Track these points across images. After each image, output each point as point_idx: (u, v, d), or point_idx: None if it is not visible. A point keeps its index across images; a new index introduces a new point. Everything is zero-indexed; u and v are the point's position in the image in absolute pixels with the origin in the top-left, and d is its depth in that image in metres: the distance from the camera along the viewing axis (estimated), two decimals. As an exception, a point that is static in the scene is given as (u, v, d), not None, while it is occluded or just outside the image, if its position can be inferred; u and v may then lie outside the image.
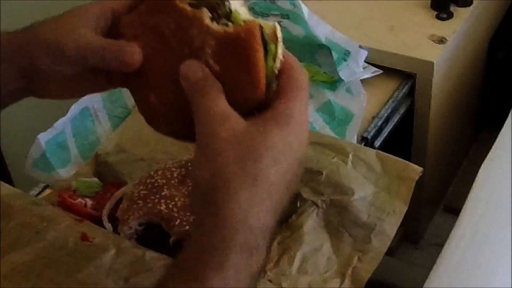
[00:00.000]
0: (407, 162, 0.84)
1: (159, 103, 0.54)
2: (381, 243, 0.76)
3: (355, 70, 0.97)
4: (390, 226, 0.77)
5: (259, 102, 0.49)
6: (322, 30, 0.97)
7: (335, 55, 0.97)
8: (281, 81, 0.50)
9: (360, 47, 0.99)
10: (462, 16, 1.08)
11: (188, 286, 0.44)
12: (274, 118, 0.48)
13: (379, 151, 0.86)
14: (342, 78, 0.97)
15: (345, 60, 0.97)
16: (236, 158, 0.45)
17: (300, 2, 0.94)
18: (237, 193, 0.45)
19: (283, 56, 0.51)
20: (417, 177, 0.82)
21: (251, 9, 1.00)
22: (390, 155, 0.85)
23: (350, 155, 0.84)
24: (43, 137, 0.96)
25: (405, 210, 0.79)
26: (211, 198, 0.45)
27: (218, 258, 0.44)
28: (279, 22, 1.00)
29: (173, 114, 0.54)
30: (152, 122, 0.56)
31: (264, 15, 1.00)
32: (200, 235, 0.46)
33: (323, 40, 0.97)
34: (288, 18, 0.99)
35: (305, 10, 0.95)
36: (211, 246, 0.44)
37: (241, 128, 0.46)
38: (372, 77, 1.01)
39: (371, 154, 0.85)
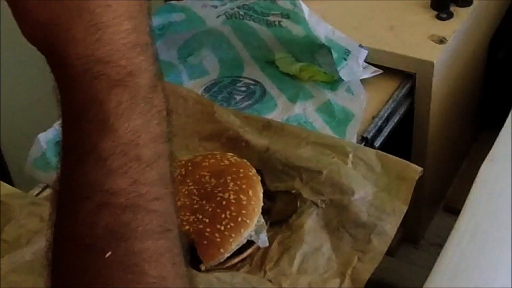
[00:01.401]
0: (407, 162, 0.84)
1: None
2: (381, 243, 0.76)
3: (355, 69, 0.97)
4: (390, 226, 0.77)
5: None
6: (322, 30, 0.97)
7: (335, 55, 0.97)
8: None
9: (360, 46, 0.99)
10: (462, 16, 1.08)
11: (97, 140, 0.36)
12: None
13: (379, 151, 0.86)
14: (342, 77, 0.97)
15: (345, 59, 0.97)
16: None
17: (301, 1, 0.94)
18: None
19: None
20: (417, 177, 0.82)
21: (252, 9, 1.00)
22: (390, 155, 0.85)
23: (350, 155, 0.84)
24: (43, 137, 0.96)
25: (405, 210, 0.79)
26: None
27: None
28: (279, 22, 1.00)
29: None
30: None
31: (265, 14, 1.00)
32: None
33: (323, 40, 0.97)
34: (288, 17, 0.99)
35: (305, 9, 0.95)
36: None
37: None
38: (372, 77, 1.01)
39: (371, 154, 0.85)
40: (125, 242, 0.36)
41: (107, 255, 0.36)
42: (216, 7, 1.01)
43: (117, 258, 0.36)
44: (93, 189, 0.36)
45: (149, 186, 0.37)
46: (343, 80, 0.98)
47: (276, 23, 1.01)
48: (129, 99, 0.37)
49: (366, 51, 0.99)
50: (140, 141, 0.37)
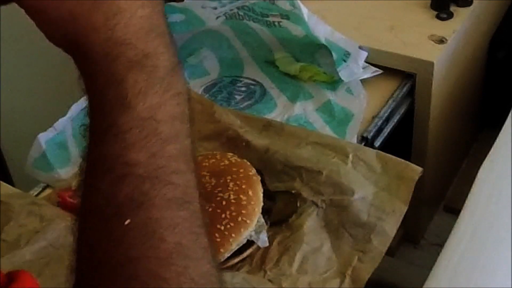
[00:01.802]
0: (407, 162, 0.84)
1: None
2: (381, 243, 0.76)
3: (355, 70, 0.97)
4: (390, 226, 0.77)
5: None
6: (322, 31, 0.97)
7: (335, 56, 0.97)
8: None
9: (360, 47, 0.99)
10: (462, 16, 1.08)
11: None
12: None
13: (379, 151, 0.86)
14: (342, 78, 0.97)
15: (345, 61, 0.97)
16: None
17: (300, 2, 0.94)
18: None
19: None
20: (417, 177, 0.82)
21: (251, 10, 1.00)
22: (390, 155, 0.85)
23: (350, 155, 0.84)
24: (43, 137, 0.96)
25: (405, 210, 0.79)
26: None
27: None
28: (279, 23, 1.00)
29: None
30: None
31: (264, 15, 1.00)
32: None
33: (323, 41, 0.97)
34: (288, 18, 0.99)
35: (304, 10, 0.94)
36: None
37: None
38: (372, 77, 1.01)
39: (371, 154, 0.85)
40: (144, 211, 0.38)
41: (127, 222, 0.37)
42: (215, 8, 1.01)
43: (136, 226, 0.37)
44: (114, 161, 0.38)
45: (168, 160, 0.39)
46: (343, 80, 0.98)
47: (276, 23, 1.01)
48: (145, 79, 0.39)
49: (366, 53, 0.99)
50: (157, 118, 0.39)
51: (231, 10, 1.02)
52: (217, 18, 1.04)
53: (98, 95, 0.40)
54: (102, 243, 0.38)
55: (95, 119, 0.41)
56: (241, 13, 1.02)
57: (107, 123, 0.39)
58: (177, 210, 0.39)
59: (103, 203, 0.38)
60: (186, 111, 0.41)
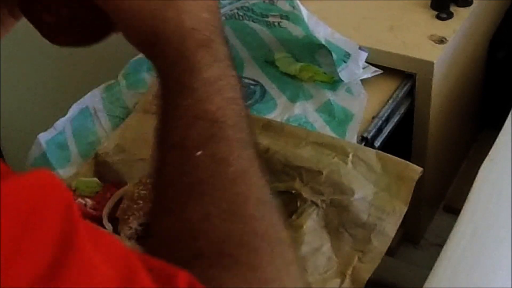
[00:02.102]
0: (407, 162, 0.84)
1: (56, 20, 0.56)
2: (381, 243, 0.76)
3: (355, 71, 0.97)
4: (390, 226, 0.77)
5: None
6: (322, 32, 0.97)
7: (335, 56, 0.97)
8: None
9: (360, 48, 0.99)
10: (462, 16, 1.08)
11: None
12: None
13: (379, 151, 0.86)
14: (342, 79, 0.97)
15: (345, 61, 0.97)
16: None
17: (299, 3, 0.94)
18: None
19: None
20: (417, 177, 0.82)
21: (251, 10, 1.00)
22: (390, 155, 0.85)
23: (350, 155, 0.84)
24: (43, 137, 0.96)
25: (405, 210, 0.79)
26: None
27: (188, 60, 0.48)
28: (278, 23, 1.00)
29: (72, 25, 0.56)
30: (54, 40, 0.57)
31: (264, 16, 1.00)
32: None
33: (323, 42, 0.97)
34: (287, 19, 0.99)
35: (304, 11, 0.94)
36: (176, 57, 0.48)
37: None
38: (372, 77, 1.01)
39: (371, 154, 0.85)
40: (213, 144, 0.46)
41: (198, 153, 0.45)
42: None
43: (206, 155, 0.45)
44: (186, 110, 0.46)
45: (231, 113, 0.47)
46: (343, 80, 0.98)
47: (276, 24, 1.01)
48: (210, 57, 0.48)
49: (366, 54, 0.98)
50: (220, 83, 0.48)
51: (231, 10, 1.02)
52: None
53: (170, 68, 0.47)
54: (177, 171, 0.45)
55: (169, 86, 0.48)
56: (240, 13, 1.02)
57: (180, 86, 0.47)
58: (243, 148, 0.47)
59: (178, 140, 0.46)
60: (240, 95, 0.49)
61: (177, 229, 0.43)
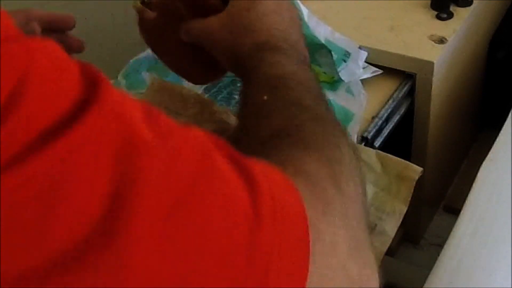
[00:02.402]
0: (407, 162, 0.84)
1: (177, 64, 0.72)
2: (381, 243, 0.76)
3: (355, 71, 0.97)
4: (390, 226, 0.77)
5: None
6: (322, 31, 0.97)
7: (334, 56, 0.97)
8: None
9: (360, 48, 0.98)
10: (462, 16, 1.08)
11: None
12: None
13: (379, 151, 0.86)
14: (342, 78, 0.97)
15: (345, 61, 0.97)
16: None
17: (300, 3, 0.94)
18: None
19: None
20: (417, 177, 0.82)
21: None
22: (390, 155, 0.85)
23: (350, 155, 0.84)
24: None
25: (405, 210, 0.79)
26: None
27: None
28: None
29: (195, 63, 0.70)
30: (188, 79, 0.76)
31: (264, 15, 1.00)
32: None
33: (323, 41, 0.97)
34: (288, 18, 0.98)
35: (304, 11, 0.94)
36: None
37: None
38: (372, 77, 1.01)
39: (371, 154, 0.85)
40: (278, 90, 0.55)
41: (265, 97, 0.54)
42: None
43: (271, 99, 0.54)
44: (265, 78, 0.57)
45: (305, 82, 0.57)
46: (343, 80, 0.98)
47: (276, 23, 1.01)
48: (286, 59, 0.58)
49: (366, 53, 0.98)
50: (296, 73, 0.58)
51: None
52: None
53: (252, 73, 0.58)
54: (251, 113, 0.54)
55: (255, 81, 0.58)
56: (241, 13, 1.02)
57: (260, 75, 0.57)
58: (306, 93, 0.55)
59: (252, 91, 0.56)
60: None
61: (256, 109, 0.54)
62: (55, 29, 0.69)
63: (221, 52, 0.62)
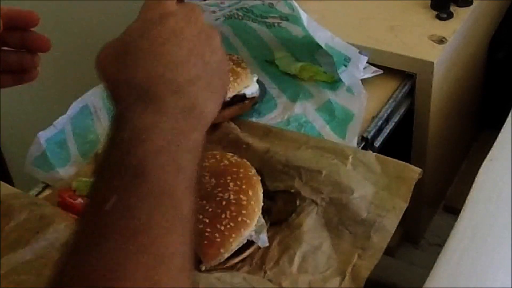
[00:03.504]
0: (407, 163, 0.84)
1: None
2: (381, 239, 0.76)
3: (355, 75, 0.97)
4: (390, 222, 0.77)
5: None
6: (322, 36, 0.97)
7: (335, 59, 0.97)
8: None
9: (360, 52, 0.98)
10: (462, 16, 1.08)
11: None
12: None
13: (379, 154, 0.86)
14: (343, 80, 0.97)
15: (345, 66, 0.97)
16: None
17: (299, 8, 0.94)
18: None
19: None
20: (416, 177, 0.82)
21: (250, 11, 1.00)
22: (390, 158, 0.85)
23: (350, 157, 0.84)
24: (42, 136, 0.96)
25: (405, 207, 0.79)
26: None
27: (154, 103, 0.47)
28: (278, 24, 1.00)
29: None
30: None
31: (263, 17, 1.00)
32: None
33: (323, 46, 0.97)
34: (287, 20, 0.99)
35: (304, 16, 0.94)
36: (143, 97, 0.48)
37: None
38: (372, 77, 1.01)
39: (370, 156, 0.85)
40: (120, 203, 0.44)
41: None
42: (214, 12, 1.01)
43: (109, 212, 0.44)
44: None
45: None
46: (344, 81, 0.98)
47: (276, 24, 1.01)
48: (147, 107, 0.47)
49: (366, 57, 0.98)
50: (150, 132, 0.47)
51: (230, 11, 1.02)
52: (216, 20, 1.04)
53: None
54: (87, 223, 0.45)
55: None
56: (240, 13, 1.02)
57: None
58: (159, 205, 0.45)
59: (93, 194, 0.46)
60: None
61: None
62: (18, 26, 0.64)
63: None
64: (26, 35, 0.66)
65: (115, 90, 0.49)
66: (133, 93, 0.47)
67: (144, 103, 0.47)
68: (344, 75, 0.97)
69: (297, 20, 0.96)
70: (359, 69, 0.97)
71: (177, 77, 0.49)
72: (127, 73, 0.48)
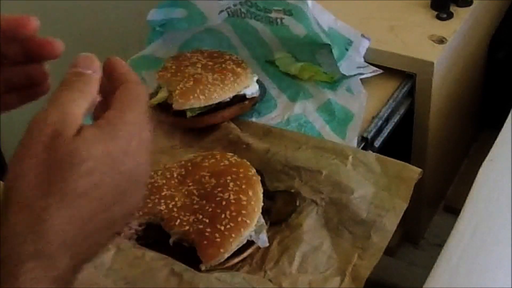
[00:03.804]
0: (407, 164, 0.84)
1: None
2: (381, 238, 0.76)
3: (356, 59, 0.97)
4: (390, 222, 0.77)
5: None
6: (325, 19, 0.97)
7: (336, 47, 0.97)
8: (116, 92, 0.50)
9: (363, 36, 0.99)
10: (462, 16, 1.08)
11: None
12: (99, 127, 0.48)
13: (379, 154, 0.86)
14: (342, 72, 0.97)
15: (347, 49, 0.97)
16: (39, 165, 0.47)
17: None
18: (30, 201, 0.45)
19: (121, 69, 0.52)
20: (416, 177, 0.82)
21: (254, 5, 1.00)
22: (390, 158, 0.85)
23: (350, 157, 0.85)
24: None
25: (405, 207, 0.79)
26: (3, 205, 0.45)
27: (9, 268, 0.43)
28: (281, 19, 1.00)
29: None
30: None
31: (267, 11, 1.00)
32: None
33: (326, 29, 0.97)
34: (291, 14, 0.98)
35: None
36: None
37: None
38: (372, 77, 1.01)
39: (370, 156, 0.85)
40: None
41: None
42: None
43: None
44: None
45: None
46: (343, 79, 0.98)
47: (278, 20, 1.01)
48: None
49: (368, 41, 0.99)
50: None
51: (235, 5, 1.02)
52: (220, 12, 1.04)
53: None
54: None
55: None
56: (243, 10, 1.02)
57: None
58: None
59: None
60: None
61: None
62: (15, 35, 0.54)
63: None
64: (27, 43, 0.56)
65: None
66: None
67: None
68: (345, 64, 0.97)
69: (300, 15, 0.96)
70: (359, 53, 0.97)
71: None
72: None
